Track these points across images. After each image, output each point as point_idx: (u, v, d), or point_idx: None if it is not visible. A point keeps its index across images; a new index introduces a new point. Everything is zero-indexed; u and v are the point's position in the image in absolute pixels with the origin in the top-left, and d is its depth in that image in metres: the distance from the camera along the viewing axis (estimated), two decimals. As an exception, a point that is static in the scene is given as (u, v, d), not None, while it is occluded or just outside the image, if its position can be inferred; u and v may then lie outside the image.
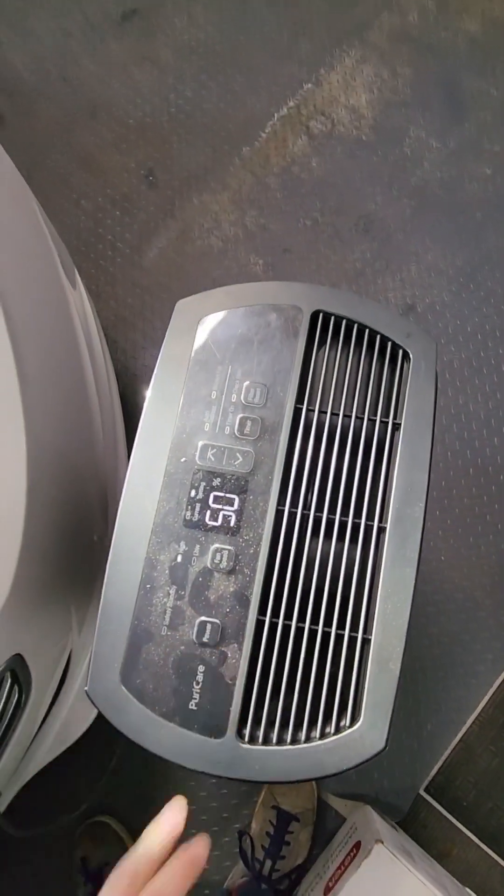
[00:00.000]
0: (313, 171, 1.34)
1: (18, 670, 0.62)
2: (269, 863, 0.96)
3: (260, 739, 0.46)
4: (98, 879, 0.98)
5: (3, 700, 0.59)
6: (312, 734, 0.46)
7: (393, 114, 1.35)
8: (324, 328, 0.52)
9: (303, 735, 0.46)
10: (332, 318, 0.52)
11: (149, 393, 0.53)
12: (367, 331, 0.52)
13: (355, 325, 0.52)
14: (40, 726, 0.77)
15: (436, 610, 1.10)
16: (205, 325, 0.53)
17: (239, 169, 1.37)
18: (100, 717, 0.88)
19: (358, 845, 0.91)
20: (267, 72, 1.41)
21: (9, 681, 0.61)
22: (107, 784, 1.02)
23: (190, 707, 0.46)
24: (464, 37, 1.39)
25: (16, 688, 0.63)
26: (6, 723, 0.62)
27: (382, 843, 0.86)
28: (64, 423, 0.72)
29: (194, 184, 1.36)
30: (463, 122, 1.33)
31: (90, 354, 0.87)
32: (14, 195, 0.78)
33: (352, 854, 0.90)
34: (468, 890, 0.97)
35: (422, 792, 1.03)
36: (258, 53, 1.42)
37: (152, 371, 1.34)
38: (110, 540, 0.95)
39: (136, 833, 1.02)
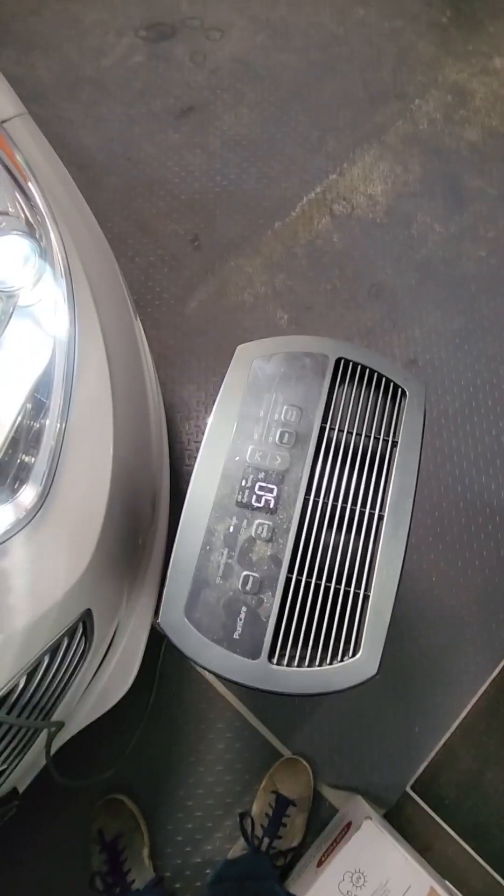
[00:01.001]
0: (334, 245, 1.58)
1: (88, 622, 0.78)
2: (266, 840, 1.07)
3: (285, 662, 0.62)
4: (112, 849, 1.09)
5: (77, 640, 0.75)
6: (324, 660, 0.62)
7: (403, 202, 1.60)
8: (344, 370, 0.72)
9: (317, 660, 0.62)
10: (351, 363, 0.71)
11: (213, 410, 0.71)
12: (375, 374, 0.71)
13: (367, 370, 0.71)
14: (88, 685, 0.92)
15: (426, 624, 1.24)
16: (257, 363, 0.72)
17: (271, 239, 1.61)
18: (129, 694, 1.01)
19: (349, 825, 1.02)
20: (299, 162, 1.67)
21: (81, 629, 0.77)
22: (127, 761, 1.15)
23: (234, 636, 0.62)
24: (466, 143, 1.66)
25: (83, 638, 0.79)
26: (75, 664, 0.77)
27: (371, 819, 0.98)
28: (133, 441, 0.90)
29: (232, 249, 1.60)
30: (463, 211, 1.58)
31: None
32: (100, 246, 0.99)
33: (343, 831, 1.02)
34: (447, 882, 1.07)
35: (408, 789, 1.15)
36: (292, 147, 1.69)
37: (188, 403, 1.53)
38: (150, 545, 1.12)
39: (145, 810, 1.14)
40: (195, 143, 1.73)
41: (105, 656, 0.93)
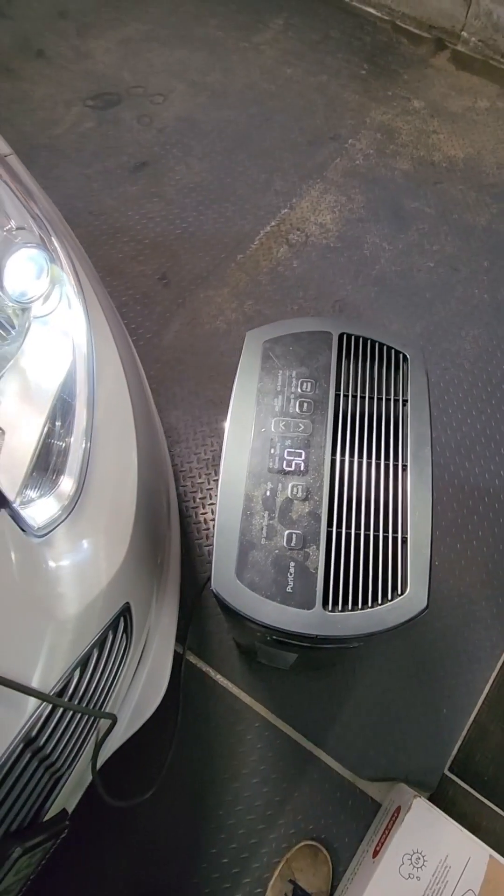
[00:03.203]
0: (295, 270, 1.69)
1: (128, 617, 0.78)
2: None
3: (339, 608, 0.64)
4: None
5: (119, 635, 0.75)
6: (375, 602, 0.65)
7: (352, 227, 1.75)
8: (348, 343, 0.78)
9: (369, 603, 0.65)
10: (353, 337, 0.78)
11: (233, 390, 0.76)
12: (377, 344, 0.78)
13: (369, 341, 0.78)
14: (126, 694, 0.90)
15: (437, 607, 1.28)
16: (267, 345, 0.78)
17: (235, 271, 1.71)
18: (156, 716, 0.99)
19: (398, 809, 1.01)
20: (251, 201, 1.81)
21: (122, 624, 0.77)
22: (162, 784, 1.10)
23: (287, 590, 0.65)
24: (399, 173, 1.84)
25: (125, 635, 0.79)
26: (119, 662, 0.77)
27: (420, 797, 0.98)
28: (149, 438, 0.93)
29: (200, 283, 1.69)
30: (407, 230, 1.73)
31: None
32: (90, 263, 1.04)
33: (394, 817, 1.01)
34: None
35: (446, 771, 1.15)
36: (243, 189, 1.83)
37: (176, 428, 1.57)
38: (167, 558, 1.13)
39: (183, 837, 1.09)
40: (152, 193, 1.85)
41: (138, 665, 0.92)
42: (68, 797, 0.81)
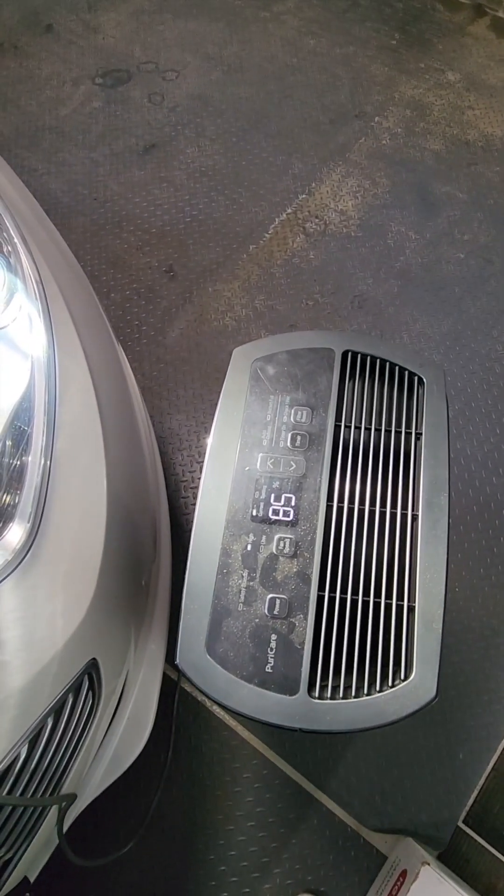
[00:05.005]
0: (311, 262, 1.56)
1: (94, 674, 0.69)
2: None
3: (329, 695, 0.54)
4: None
5: (83, 696, 0.66)
6: (373, 688, 0.54)
7: (376, 214, 1.60)
8: (353, 363, 0.66)
9: (365, 689, 0.54)
10: (360, 355, 0.66)
11: (215, 419, 0.65)
12: (387, 364, 0.66)
13: (378, 360, 0.66)
14: (98, 747, 0.81)
15: (455, 640, 1.16)
16: (257, 365, 0.67)
17: (247, 262, 1.58)
18: (143, 753, 0.91)
19: (404, 874, 0.91)
20: (267, 187, 1.67)
21: (87, 683, 0.68)
22: (147, 830, 1.03)
23: (266, 670, 0.54)
24: (429, 153, 1.68)
25: (90, 693, 0.70)
26: (83, 724, 0.68)
27: (429, 864, 0.88)
28: (127, 468, 0.83)
29: (209, 276, 1.57)
30: (436, 217, 1.58)
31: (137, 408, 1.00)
32: (72, 266, 0.95)
33: (398, 883, 0.91)
34: (518, 929, 0.96)
35: (461, 824, 1.04)
36: (258, 173, 1.69)
37: (178, 433, 1.46)
38: (154, 585, 1.04)
39: (172, 884, 1.01)
40: (161, 178, 1.73)
41: (115, 713, 0.83)
42: (29, 865, 0.73)
